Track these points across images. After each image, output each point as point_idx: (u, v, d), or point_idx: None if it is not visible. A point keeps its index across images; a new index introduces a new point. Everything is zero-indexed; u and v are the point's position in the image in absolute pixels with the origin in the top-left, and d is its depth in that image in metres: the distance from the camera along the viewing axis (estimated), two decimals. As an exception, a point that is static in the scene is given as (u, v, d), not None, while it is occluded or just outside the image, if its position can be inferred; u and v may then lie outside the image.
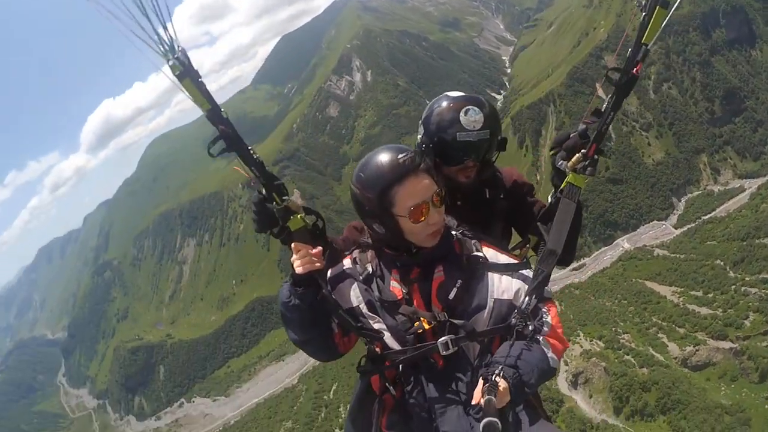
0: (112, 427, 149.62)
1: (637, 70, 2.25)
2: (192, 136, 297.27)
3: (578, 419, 61.05)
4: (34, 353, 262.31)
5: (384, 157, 2.24)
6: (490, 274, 2.35)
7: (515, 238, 3.16)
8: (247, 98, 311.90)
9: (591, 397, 64.16)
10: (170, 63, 1.95)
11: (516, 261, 2.47)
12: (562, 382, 67.35)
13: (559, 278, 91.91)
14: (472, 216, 2.67)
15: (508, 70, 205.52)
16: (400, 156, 2.21)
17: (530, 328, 2.27)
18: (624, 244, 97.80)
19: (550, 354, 2.30)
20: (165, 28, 1.89)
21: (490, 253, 2.42)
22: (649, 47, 2.21)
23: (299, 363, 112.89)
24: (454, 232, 2.45)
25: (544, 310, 2.39)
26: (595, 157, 2.42)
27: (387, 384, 2.34)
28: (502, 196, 2.98)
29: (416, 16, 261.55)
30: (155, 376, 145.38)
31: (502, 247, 2.55)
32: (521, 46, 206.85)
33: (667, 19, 2.13)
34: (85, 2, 1.66)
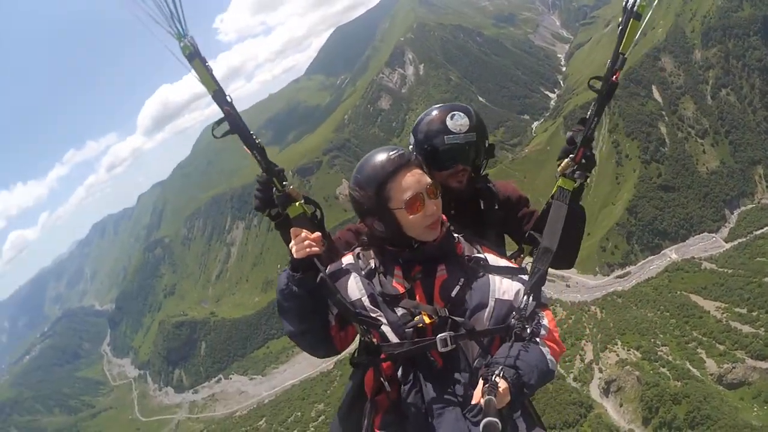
0: (150, 396, 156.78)
1: (616, 78, 2.39)
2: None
3: (605, 426, 60.78)
4: (82, 322, 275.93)
5: (376, 157, 2.34)
6: (491, 275, 2.40)
7: (509, 246, 3.33)
8: (300, 87, 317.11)
9: (621, 405, 63.49)
10: (182, 44, 2.11)
11: (516, 266, 2.54)
12: (594, 389, 67.12)
13: (602, 285, 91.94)
14: (466, 224, 2.75)
15: (563, 69, 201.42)
16: (390, 153, 2.31)
17: (528, 330, 2.30)
18: (672, 254, 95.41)
19: (549, 356, 2.33)
20: (178, 17, 2.04)
21: (491, 257, 2.48)
22: (626, 56, 2.33)
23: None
24: (456, 234, 2.52)
25: (541, 314, 2.43)
26: (583, 161, 2.54)
27: (383, 380, 2.31)
28: (497, 207, 3.09)
29: (471, 11, 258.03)
30: (196, 351, 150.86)
31: (500, 254, 2.63)
32: (577, 44, 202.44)
33: (640, 30, 2.29)
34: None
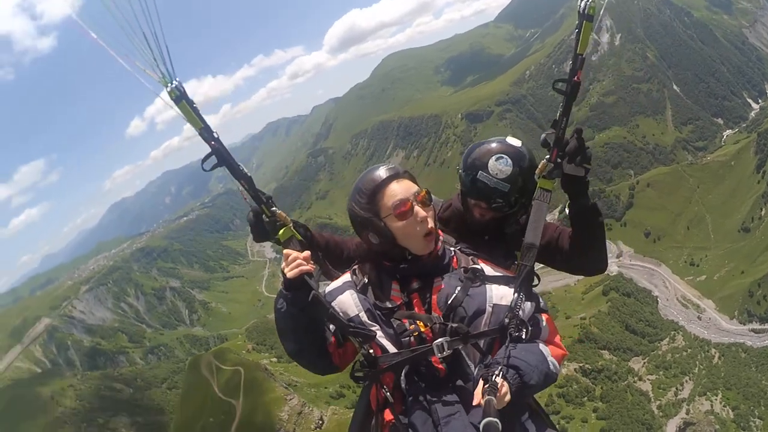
0: (279, 278, 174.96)
1: (578, 77, 2.51)
2: (427, 59, 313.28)
3: None
4: (239, 202, 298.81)
5: (370, 172, 2.43)
6: (487, 284, 2.40)
7: None
8: (486, 33, 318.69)
9: None
10: (169, 89, 2.25)
11: (512, 274, 2.52)
12: (671, 425, 66.98)
13: (734, 332, 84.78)
14: (479, 243, 2.78)
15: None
16: (382, 168, 2.42)
17: (527, 332, 2.33)
18: None
19: (549, 357, 2.36)
20: (164, 63, 2.21)
21: (487, 267, 2.48)
22: (584, 56, 2.49)
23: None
24: (452, 248, 2.56)
25: (540, 318, 2.49)
26: (558, 160, 2.57)
27: (385, 392, 2.32)
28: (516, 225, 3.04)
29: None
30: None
31: (498, 264, 2.59)
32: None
33: (593, 30, 2.44)
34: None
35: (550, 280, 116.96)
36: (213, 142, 2.36)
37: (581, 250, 2.73)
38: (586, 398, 67.93)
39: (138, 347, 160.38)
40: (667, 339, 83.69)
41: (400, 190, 2.34)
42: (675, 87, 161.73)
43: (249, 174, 2.43)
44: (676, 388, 72.48)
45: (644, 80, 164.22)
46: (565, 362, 74.05)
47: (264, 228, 2.48)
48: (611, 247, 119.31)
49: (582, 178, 2.58)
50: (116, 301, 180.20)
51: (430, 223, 2.36)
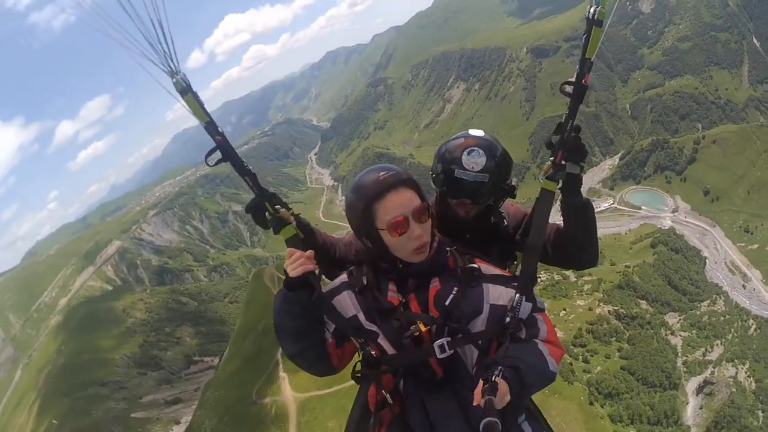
0: (335, 204, 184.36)
1: (585, 81, 2.50)
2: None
3: (671, 409, 60.81)
4: (298, 130, 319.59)
5: (369, 176, 2.33)
6: (484, 283, 2.40)
7: None
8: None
9: (701, 408, 62.62)
10: (174, 80, 2.24)
11: (509, 274, 2.56)
12: (692, 382, 66.43)
13: None
14: (471, 243, 2.81)
15: None
16: (381, 173, 2.30)
17: (526, 332, 2.37)
18: None
19: (548, 357, 2.34)
20: (170, 56, 2.20)
21: (484, 267, 2.46)
22: (592, 60, 2.48)
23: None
24: (447, 248, 2.50)
25: (538, 318, 2.47)
26: (563, 162, 2.57)
27: (384, 392, 2.34)
28: (506, 225, 3.19)
29: None
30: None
31: (493, 264, 2.60)
32: None
33: (602, 35, 2.45)
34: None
35: (602, 226, 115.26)
36: (218, 137, 2.34)
37: (573, 246, 2.77)
38: (614, 338, 68.43)
39: (202, 266, 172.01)
40: (708, 301, 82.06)
41: (397, 204, 2.24)
42: (755, 41, 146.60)
43: (253, 170, 2.45)
44: (706, 350, 72.09)
45: (723, 29, 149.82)
46: (601, 304, 75.68)
47: (265, 222, 2.49)
48: (668, 200, 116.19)
49: (577, 175, 2.60)
50: (182, 224, 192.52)
51: (425, 239, 2.29)
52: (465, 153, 2.79)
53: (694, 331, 74.63)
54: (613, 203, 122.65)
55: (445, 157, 2.88)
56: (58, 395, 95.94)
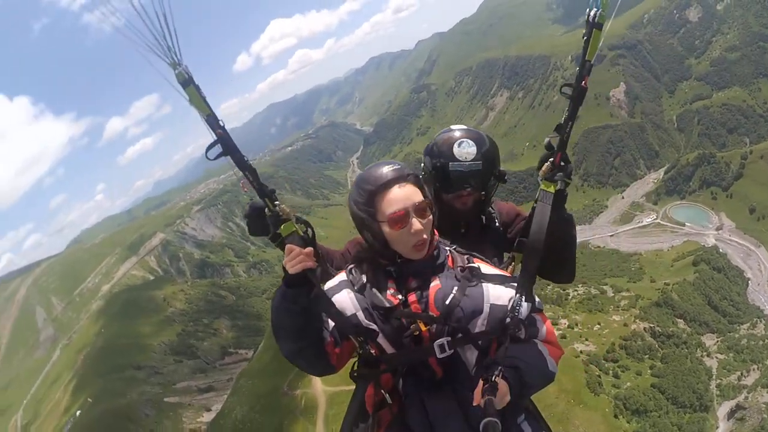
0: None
1: (585, 83, 2.53)
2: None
3: None
4: (341, 134, 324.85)
5: (375, 169, 2.36)
6: (484, 283, 2.39)
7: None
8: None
9: None
10: (176, 72, 2.24)
11: (508, 274, 2.56)
12: (725, 405, 64.07)
13: None
14: (467, 239, 2.89)
15: None
16: (388, 167, 2.32)
17: (526, 332, 2.36)
18: None
19: (548, 357, 2.36)
20: (173, 48, 2.19)
21: (483, 266, 2.46)
22: (592, 63, 2.51)
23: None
24: (447, 248, 2.53)
25: (537, 318, 2.46)
26: (562, 164, 2.62)
27: (383, 392, 2.33)
28: (497, 224, 3.25)
29: None
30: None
31: (492, 263, 2.61)
32: None
33: (602, 38, 2.48)
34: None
35: (644, 242, 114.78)
36: (219, 131, 2.34)
37: (552, 259, 2.75)
38: (647, 356, 67.25)
39: (242, 262, 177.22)
40: (748, 324, 78.99)
41: (399, 197, 2.26)
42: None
43: (254, 166, 2.43)
44: (741, 374, 68.95)
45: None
46: (637, 321, 74.56)
47: (263, 221, 2.46)
48: (713, 216, 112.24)
49: (562, 191, 2.67)
50: (224, 220, 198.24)
51: (424, 235, 2.29)
52: (456, 146, 2.92)
53: (731, 354, 72.19)
54: (656, 218, 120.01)
55: (436, 154, 3.01)
56: (95, 376, 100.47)
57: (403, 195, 2.26)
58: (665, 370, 64.30)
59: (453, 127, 3.09)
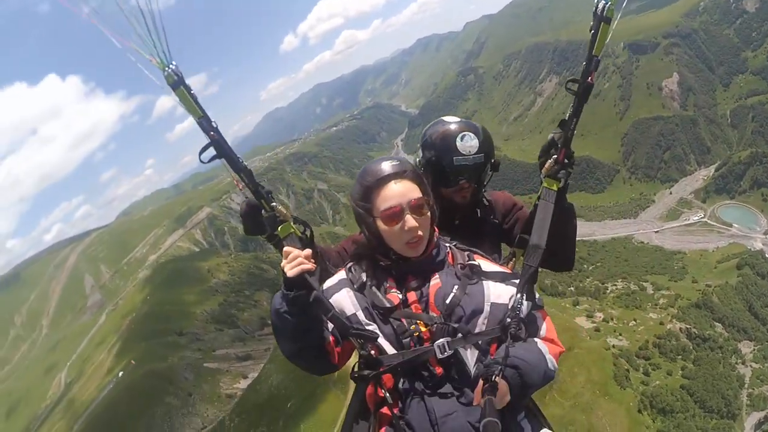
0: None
1: (591, 79, 2.46)
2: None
3: None
4: (386, 115, 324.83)
5: (373, 164, 2.36)
6: (484, 281, 2.38)
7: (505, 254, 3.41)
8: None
9: None
10: (165, 73, 2.17)
11: (509, 271, 2.56)
12: (754, 415, 62.66)
13: None
14: (465, 234, 2.83)
15: None
16: (387, 162, 2.33)
17: (526, 331, 2.34)
18: None
19: (548, 355, 2.33)
20: (161, 48, 2.13)
21: (484, 264, 2.45)
22: (599, 58, 2.45)
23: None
24: (447, 245, 2.52)
25: (538, 315, 2.46)
26: (566, 161, 2.57)
27: (383, 391, 2.29)
28: (492, 216, 3.22)
29: None
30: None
31: (492, 260, 2.61)
32: None
33: (610, 33, 2.41)
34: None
35: (689, 240, 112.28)
36: (212, 133, 2.30)
37: (555, 247, 2.69)
38: (680, 357, 66.51)
39: None
40: None
41: (395, 193, 2.25)
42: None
43: (249, 167, 2.42)
44: None
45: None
46: (674, 320, 73.97)
47: (260, 222, 2.44)
48: (761, 219, 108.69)
49: (567, 183, 2.63)
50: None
51: (419, 233, 2.28)
52: (458, 139, 2.90)
53: (766, 365, 70.47)
54: (703, 217, 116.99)
55: (437, 148, 2.98)
56: (138, 339, 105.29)
57: (400, 191, 2.25)
58: (696, 373, 63.76)
59: (446, 119, 3.11)
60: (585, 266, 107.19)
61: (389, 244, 2.30)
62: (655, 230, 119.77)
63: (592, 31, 2.42)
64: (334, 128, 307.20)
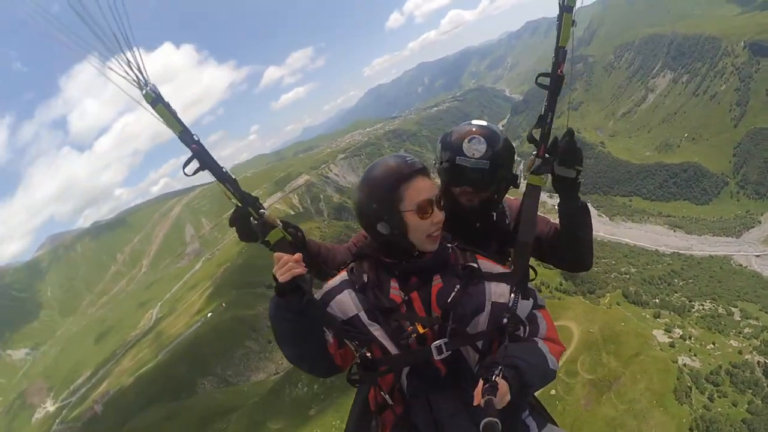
0: None
1: (560, 71, 2.49)
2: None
3: None
4: (488, 99, 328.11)
5: (392, 161, 2.32)
6: (486, 281, 2.36)
7: None
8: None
9: None
10: (143, 92, 2.16)
11: (509, 270, 2.51)
12: None
13: None
14: (471, 237, 2.73)
15: None
16: (407, 159, 2.31)
17: (523, 328, 2.34)
18: None
19: (548, 355, 2.32)
20: (138, 67, 2.12)
21: (485, 264, 2.43)
22: (566, 49, 2.47)
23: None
24: (449, 245, 2.47)
25: (538, 315, 2.46)
26: (546, 156, 2.57)
27: (384, 394, 2.30)
28: (507, 222, 3.11)
29: None
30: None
31: (494, 261, 2.53)
32: None
33: (573, 22, 2.42)
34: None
35: None
36: (194, 145, 2.28)
37: (567, 248, 2.80)
38: (750, 390, 63.63)
39: None
40: None
41: (427, 187, 2.28)
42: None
43: (234, 176, 2.41)
44: None
45: None
46: (754, 352, 71.01)
47: (251, 229, 2.43)
48: None
49: (573, 180, 2.61)
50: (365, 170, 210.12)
51: (441, 227, 2.34)
52: (466, 141, 2.82)
53: None
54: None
55: (448, 146, 2.92)
56: (230, 287, 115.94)
57: (428, 185, 2.30)
58: (763, 410, 60.82)
59: (473, 121, 3.02)
60: (675, 281, 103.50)
61: (412, 237, 2.29)
62: (757, 254, 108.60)
63: (558, 22, 2.48)
64: (435, 108, 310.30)
